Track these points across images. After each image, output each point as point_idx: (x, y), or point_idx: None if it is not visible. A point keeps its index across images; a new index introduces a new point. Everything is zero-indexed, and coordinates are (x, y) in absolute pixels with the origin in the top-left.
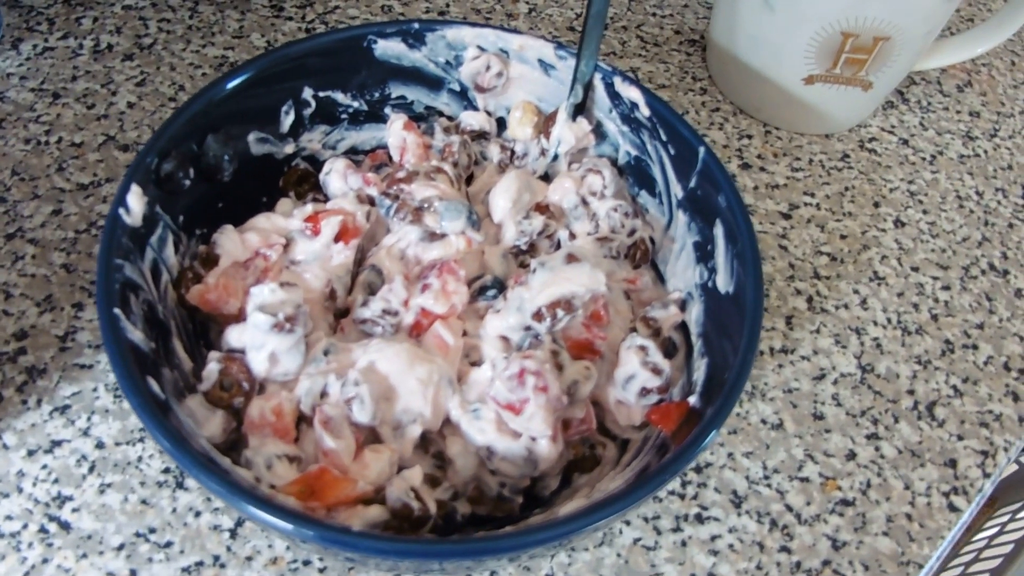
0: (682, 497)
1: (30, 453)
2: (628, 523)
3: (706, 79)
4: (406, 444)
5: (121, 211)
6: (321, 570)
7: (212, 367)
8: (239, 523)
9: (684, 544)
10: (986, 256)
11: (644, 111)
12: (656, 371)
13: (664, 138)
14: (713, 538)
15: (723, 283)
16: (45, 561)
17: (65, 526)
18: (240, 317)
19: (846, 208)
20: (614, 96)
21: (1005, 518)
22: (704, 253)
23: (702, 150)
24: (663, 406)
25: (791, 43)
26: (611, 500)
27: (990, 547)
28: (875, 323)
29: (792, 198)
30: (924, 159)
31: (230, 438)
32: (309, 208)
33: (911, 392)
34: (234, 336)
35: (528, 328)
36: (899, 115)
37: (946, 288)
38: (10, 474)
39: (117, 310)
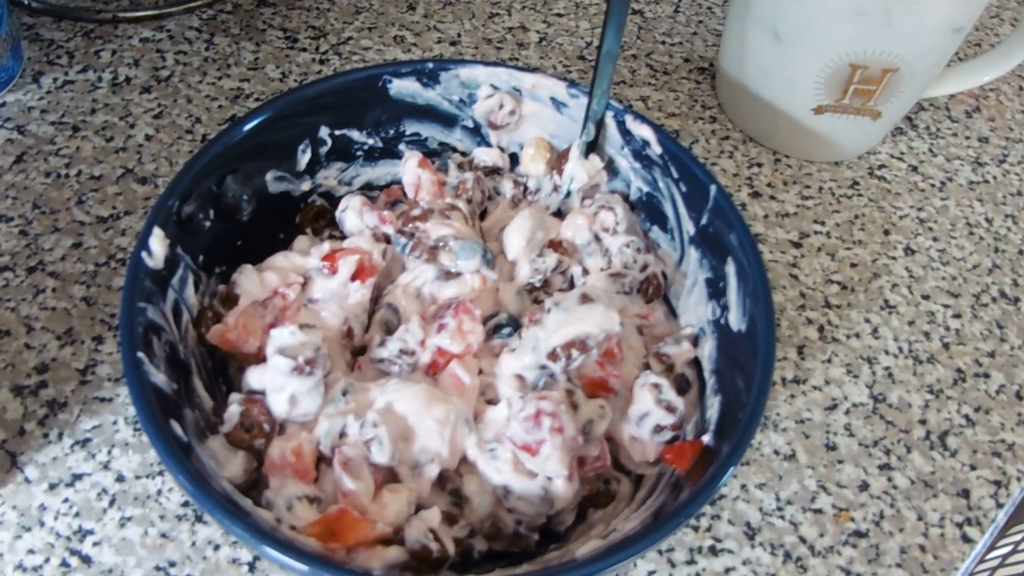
0: (696, 529)
1: (52, 487)
2: (642, 556)
3: (715, 107)
4: (424, 483)
5: (144, 255)
6: None
7: (233, 409)
8: (257, 557)
9: None
10: (996, 283)
11: (656, 148)
12: (670, 409)
13: (676, 175)
14: (727, 570)
15: (735, 321)
16: None
17: (86, 560)
18: (259, 355)
19: (856, 236)
20: (626, 133)
21: (1018, 537)
22: (716, 290)
23: (713, 188)
24: (677, 445)
25: (800, 74)
26: (629, 541)
27: (1003, 566)
28: (886, 352)
29: (802, 226)
30: (933, 186)
31: (250, 478)
32: (326, 247)
33: (923, 422)
34: (254, 378)
35: (543, 367)
36: (908, 141)
37: (957, 316)
38: (32, 508)
39: (141, 354)
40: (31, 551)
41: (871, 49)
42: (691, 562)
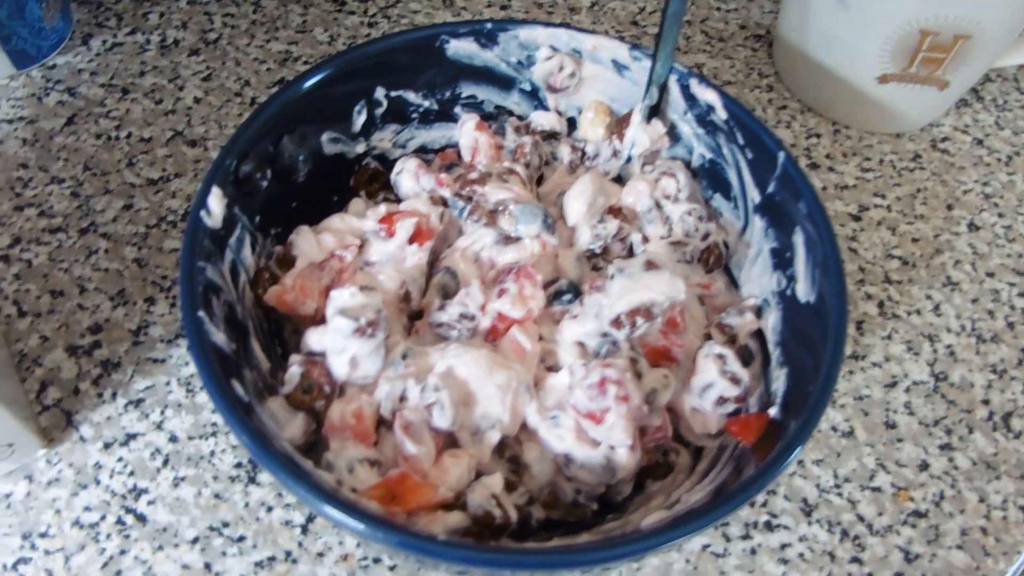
0: (752, 504)
1: (106, 445)
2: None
3: (772, 76)
4: (484, 450)
5: (202, 213)
6: (391, 568)
7: (294, 370)
8: (310, 519)
9: (754, 552)
10: None
11: (721, 114)
12: (734, 380)
13: (741, 142)
14: (783, 546)
15: (803, 292)
16: (123, 552)
17: (141, 518)
18: (316, 318)
19: (918, 210)
20: (689, 98)
21: None
22: (782, 260)
23: (782, 155)
24: (743, 417)
25: (866, 42)
26: (698, 513)
27: None
28: (948, 330)
29: (862, 199)
30: (1000, 160)
31: (309, 440)
32: (383, 209)
33: (986, 402)
34: (314, 339)
35: (606, 335)
36: (973, 114)
37: (1022, 295)
38: (88, 466)
39: (201, 313)
40: (87, 508)
41: (944, 15)
42: (746, 537)
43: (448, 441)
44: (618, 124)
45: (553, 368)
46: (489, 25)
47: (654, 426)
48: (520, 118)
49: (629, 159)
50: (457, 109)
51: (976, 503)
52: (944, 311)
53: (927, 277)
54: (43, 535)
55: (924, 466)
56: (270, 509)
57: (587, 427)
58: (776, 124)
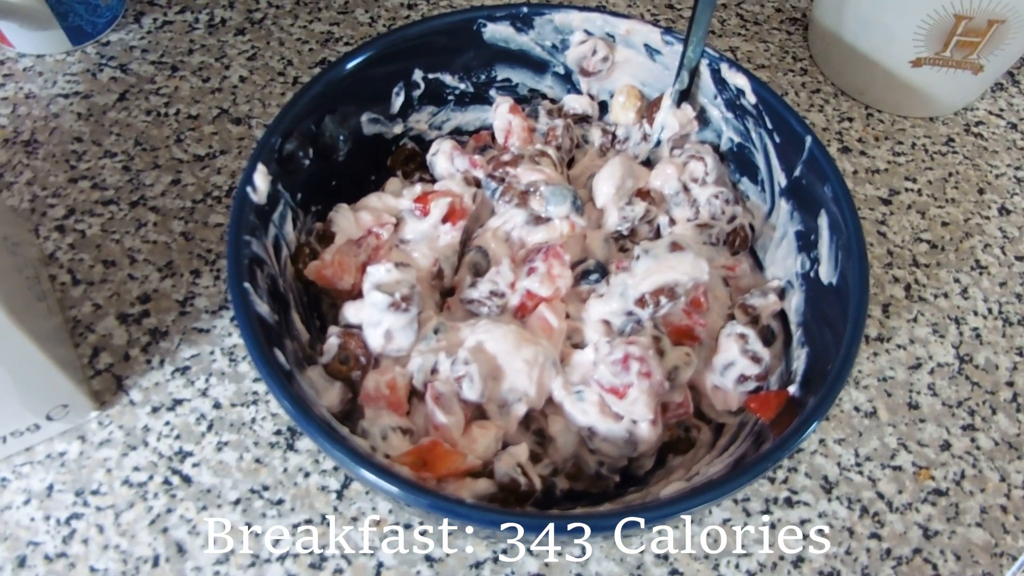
0: (772, 481)
1: (154, 410)
2: (718, 504)
3: (807, 59)
4: (511, 421)
5: (249, 190)
6: (422, 533)
7: (332, 341)
8: (345, 485)
9: (773, 527)
10: None
11: (750, 98)
12: (755, 359)
13: (770, 126)
14: (803, 522)
15: (826, 274)
16: (169, 511)
17: (186, 479)
18: (353, 292)
19: (949, 194)
20: (720, 82)
21: None
22: (807, 242)
23: (809, 139)
24: (763, 395)
25: (901, 25)
26: (714, 484)
27: None
28: (975, 313)
29: (893, 183)
30: None
31: (346, 408)
32: (418, 189)
33: (1010, 384)
34: (351, 312)
35: (630, 313)
36: (1008, 98)
37: None
38: (136, 428)
39: (247, 284)
40: (136, 468)
41: None
42: (766, 512)
43: (476, 412)
44: (648, 108)
45: (579, 345)
46: (525, 9)
47: (676, 402)
48: (553, 101)
49: (658, 143)
50: (492, 92)
51: (997, 482)
52: (972, 294)
53: (955, 261)
54: (95, 492)
55: (946, 446)
56: (307, 475)
57: (610, 401)
58: (809, 108)
